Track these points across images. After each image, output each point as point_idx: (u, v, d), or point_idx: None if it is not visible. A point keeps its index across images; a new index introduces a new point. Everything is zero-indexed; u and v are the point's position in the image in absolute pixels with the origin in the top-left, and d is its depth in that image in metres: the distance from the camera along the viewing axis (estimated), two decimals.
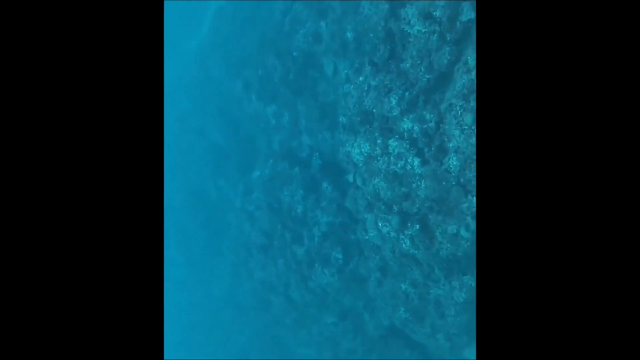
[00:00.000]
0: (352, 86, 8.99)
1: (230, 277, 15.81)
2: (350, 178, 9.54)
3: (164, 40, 4.54)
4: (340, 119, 9.54)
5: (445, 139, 7.49)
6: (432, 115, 7.61)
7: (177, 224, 19.76)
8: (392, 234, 8.69)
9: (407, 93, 7.82)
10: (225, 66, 14.66)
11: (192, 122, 17.30)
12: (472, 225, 7.55)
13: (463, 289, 8.42)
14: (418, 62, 7.60)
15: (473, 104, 6.80)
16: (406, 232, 8.43)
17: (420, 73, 7.61)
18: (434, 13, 7.17)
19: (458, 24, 6.98)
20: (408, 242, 8.47)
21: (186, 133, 17.80)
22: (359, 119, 8.81)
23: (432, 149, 7.69)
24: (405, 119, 7.97)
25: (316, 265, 11.29)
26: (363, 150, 8.76)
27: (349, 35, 9.47)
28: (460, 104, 6.96)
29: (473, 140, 6.92)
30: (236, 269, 14.90)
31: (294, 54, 11.21)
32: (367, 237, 9.59)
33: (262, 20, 12.53)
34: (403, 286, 9.46)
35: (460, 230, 7.74)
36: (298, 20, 11.08)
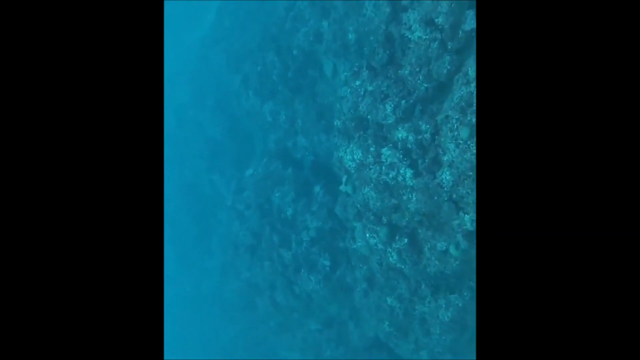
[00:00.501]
0: (348, 90, 8.66)
1: (218, 275, 15.55)
2: (343, 186, 9.21)
3: (164, 32, 4.45)
4: (335, 123, 9.21)
5: (440, 152, 7.15)
6: (428, 126, 7.27)
7: (170, 217, 19.54)
8: (380, 245, 8.37)
9: (403, 101, 7.48)
10: (225, 60, 14.39)
11: (190, 115, 17.05)
12: (462, 243, 7.22)
13: (449, 308, 8.09)
14: (417, 69, 7.26)
15: (470, 118, 6.46)
16: (394, 245, 8.11)
17: (419, 81, 7.27)
18: (436, 20, 6.83)
19: (460, 32, 6.64)
20: (395, 256, 8.15)
21: (183, 125, 17.56)
22: (353, 124, 8.47)
23: (426, 161, 7.36)
24: (400, 128, 7.64)
25: (302, 270, 10.99)
26: (355, 156, 8.44)
27: (351, 36, 9.14)
28: (457, 116, 6.63)
29: (468, 155, 6.59)
30: (224, 267, 14.62)
31: (294, 52, 10.91)
32: (355, 247, 9.28)
33: (265, 16, 12.25)
34: (389, 300, 9.14)
35: (449, 247, 7.41)
36: (300, 18, 10.78)
